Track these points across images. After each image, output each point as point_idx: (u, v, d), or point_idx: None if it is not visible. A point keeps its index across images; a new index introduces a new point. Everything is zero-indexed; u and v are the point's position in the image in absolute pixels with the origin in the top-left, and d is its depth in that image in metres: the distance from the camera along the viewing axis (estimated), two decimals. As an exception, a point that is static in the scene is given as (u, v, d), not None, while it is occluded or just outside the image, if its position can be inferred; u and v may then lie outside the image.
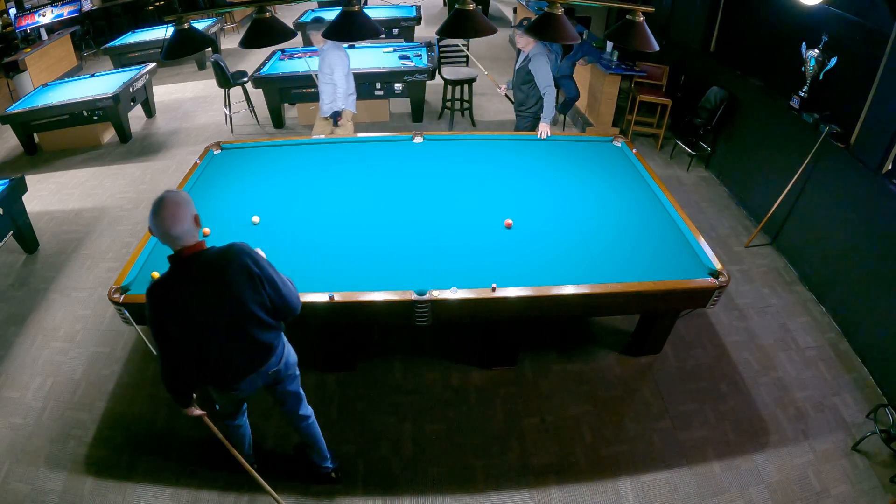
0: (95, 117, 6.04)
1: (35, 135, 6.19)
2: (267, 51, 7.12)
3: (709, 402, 3.29)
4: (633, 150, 4.13)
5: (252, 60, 8.57)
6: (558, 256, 3.10)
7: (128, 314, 2.76)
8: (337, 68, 4.58)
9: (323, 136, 4.62)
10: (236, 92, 6.81)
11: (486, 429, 3.12)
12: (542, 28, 2.76)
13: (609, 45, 6.14)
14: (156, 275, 2.89)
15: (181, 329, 2.00)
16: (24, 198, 4.52)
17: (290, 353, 2.39)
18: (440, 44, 6.79)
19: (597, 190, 3.72)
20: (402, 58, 6.60)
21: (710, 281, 2.89)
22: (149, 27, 8.93)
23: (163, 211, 1.86)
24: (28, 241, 4.54)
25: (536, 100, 4.59)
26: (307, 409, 2.61)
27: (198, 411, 2.32)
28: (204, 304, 1.97)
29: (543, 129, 4.40)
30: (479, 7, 2.79)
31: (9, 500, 2.78)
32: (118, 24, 10.38)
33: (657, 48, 2.74)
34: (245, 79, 6.35)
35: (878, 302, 3.48)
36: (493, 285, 2.78)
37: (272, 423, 3.14)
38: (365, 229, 3.33)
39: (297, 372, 2.47)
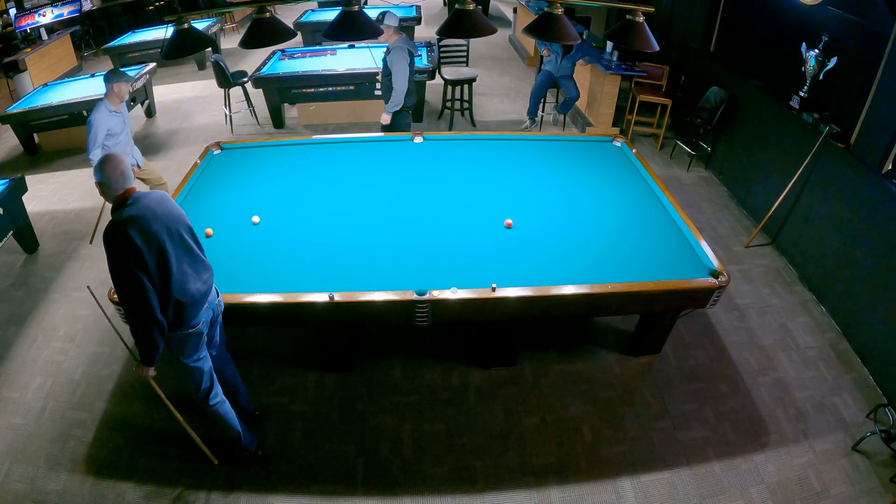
0: (95, 117, 6.03)
1: (35, 135, 6.18)
2: (267, 51, 7.12)
3: (709, 402, 3.30)
4: (633, 150, 4.13)
5: (252, 60, 8.56)
6: (558, 256, 3.11)
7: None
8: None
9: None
10: (236, 92, 6.81)
11: (486, 429, 3.12)
12: (542, 28, 2.76)
13: (609, 45, 6.14)
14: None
15: (147, 248, 2.18)
16: (24, 198, 4.51)
17: None
18: (440, 44, 6.79)
19: (597, 190, 3.73)
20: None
21: (710, 281, 2.90)
22: (149, 27, 8.92)
23: (114, 159, 2.25)
24: (28, 241, 4.54)
25: (402, 101, 4.70)
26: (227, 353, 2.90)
27: (153, 371, 2.44)
28: (158, 219, 2.25)
29: (383, 117, 4.73)
30: (479, 7, 2.79)
31: (9, 500, 2.78)
32: (118, 24, 10.37)
33: (657, 48, 2.74)
34: (245, 79, 6.35)
35: (878, 302, 3.48)
36: (493, 285, 2.78)
37: (272, 424, 3.14)
38: (365, 229, 3.33)
39: None
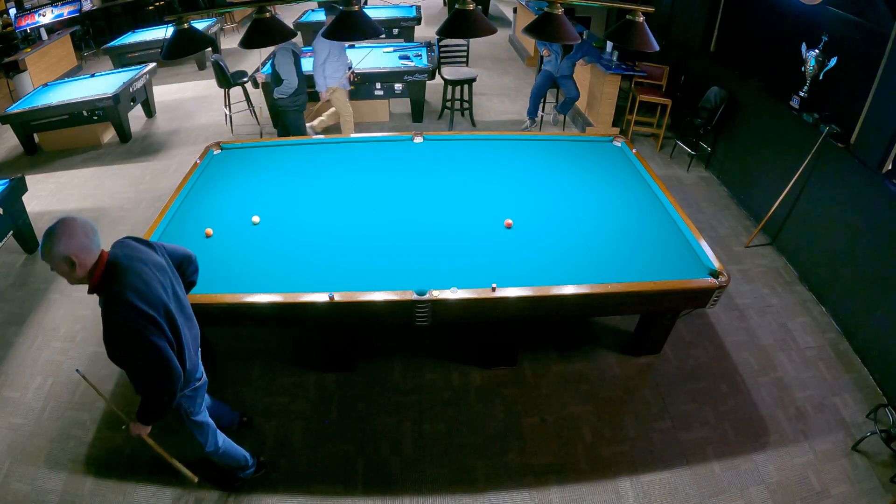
0: (95, 117, 6.04)
1: (35, 135, 6.18)
2: (267, 51, 7.11)
3: (709, 402, 3.30)
4: (633, 150, 4.13)
5: (252, 60, 8.57)
6: (558, 256, 3.11)
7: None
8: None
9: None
10: (236, 92, 6.81)
11: (486, 429, 3.12)
12: (542, 28, 2.76)
13: (609, 45, 6.14)
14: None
15: (157, 313, 1.95)
16: (24, 198, 4.51)
17: None
18: (440, 44, 6.79)
19: (597, 190, 3.72)
20: (402, 58, 6.60)
21: (710, 281, 2.90)
22: (149, 27, 8.92)
23: (74, 221, 1.87)
24: (28, 241, 4.54)
25: (293, 90, 5.03)
26: None
27: (149, 429, 2.26)
28: (154, 278, 2.03)
29: (277, 99, 5.19)
30: (479, 7, 2.79)
31: (9, 500, 2.78)
32: (118, 24, 10.37)
33: (657, 48, 2.74)
34: (245, 79, 6.35)
35: (878, 302, 3.48)
36: (493, 285, 2.78)
37: (272, 423, 3.14)
38: (365, 229, 3.33)
39: None
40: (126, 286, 1.90)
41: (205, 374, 2.38)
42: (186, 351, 2.12)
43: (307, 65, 5.52)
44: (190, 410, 2.33)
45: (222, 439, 2.59)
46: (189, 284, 2.40)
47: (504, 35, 10.24)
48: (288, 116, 5.29)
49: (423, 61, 6.49)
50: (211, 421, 2.49)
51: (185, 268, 2.33)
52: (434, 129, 6.59)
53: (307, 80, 5.41)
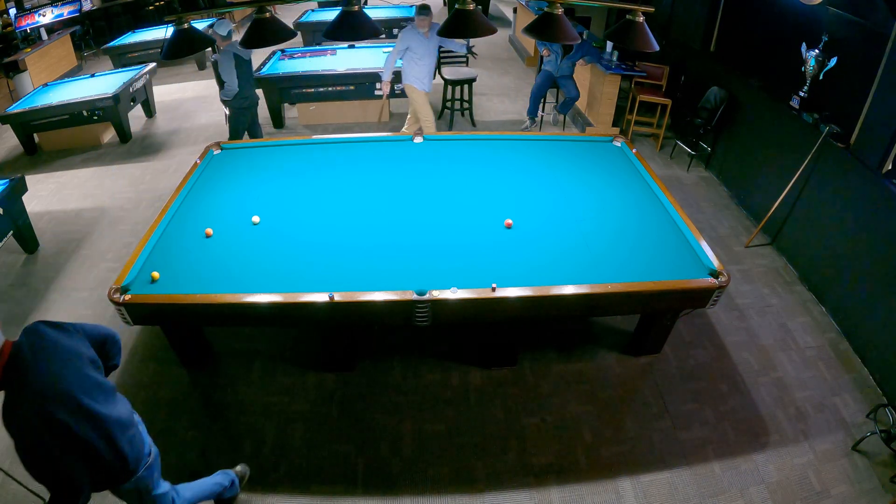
0: (95, 117, 6.04)
1: (35, 135, 6.19)
2: (267, 51, 7.12)
3: (709, 402, 3.29)
4: (633, 150, 4.13)
5: (252, 60, 8.54)
6: (558, 256, 3.11)
7: (127, 314, 2.76)
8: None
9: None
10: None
11: (486, 429, 3.12)
12: (542, 28, 2.76)
13: (609, 45, 6.14)
14: (156, 275, 2.90)
15: (66, 402, 1.76)
16: (24, 198, 4.51)
17: None
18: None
19: (597, 190, 3.72)
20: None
21: (710, 281, 2.90)
22: (149, 27, 8.93)
23: None
24: (28, 241, 4.54)
25: (234, 93, 5.04)
26: None
27: None
28: (64, 363, 1.83)
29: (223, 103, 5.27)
30: (479, 7, 2.79)
31: (9, 500, 2.77)
32: (118, 24, 10.38)
33: (657, 48, 2.74)
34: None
35: (878, 302, 3.48)
36: (493, 285, 2.78)
37: (272, 422, 3.14)
38: (365, 229, 3.33)
39: None
40: (29, 384, 1.72)
41: (153, 446, 2.20)
42: (118, 438, 1.92)
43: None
44: (148, 488, 2.14)
45: (189, 493, 2.44)
46: (110, 368, 2.17)
47: (504, 35, 10.24)
48: (233, 118, 5.27)
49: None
50: (168, 485, 2.30)
51: (108, 349, 2.12)
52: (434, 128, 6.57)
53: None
